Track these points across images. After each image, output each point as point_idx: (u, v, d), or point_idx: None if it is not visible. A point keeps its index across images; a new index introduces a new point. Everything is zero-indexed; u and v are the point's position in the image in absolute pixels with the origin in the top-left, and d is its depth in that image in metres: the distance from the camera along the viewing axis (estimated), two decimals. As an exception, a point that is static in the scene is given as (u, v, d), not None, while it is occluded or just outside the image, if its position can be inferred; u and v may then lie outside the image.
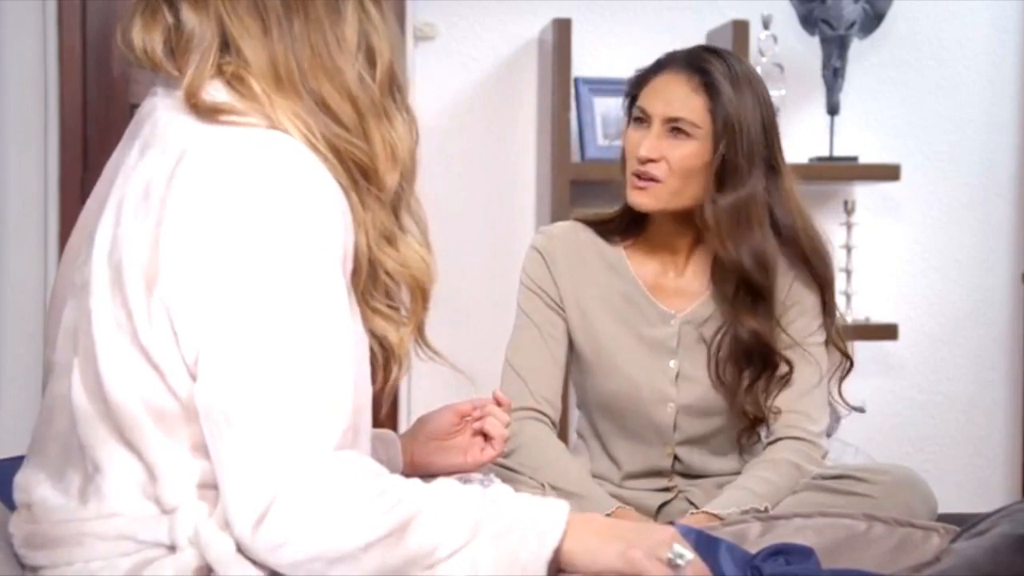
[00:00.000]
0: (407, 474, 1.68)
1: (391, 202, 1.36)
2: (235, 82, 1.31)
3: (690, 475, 2.27)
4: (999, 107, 3.71)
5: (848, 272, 3.51)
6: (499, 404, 1.75)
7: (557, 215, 3.23)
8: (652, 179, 2.15)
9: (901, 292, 3.69)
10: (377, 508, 1.23)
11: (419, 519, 1.24)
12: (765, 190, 2.16)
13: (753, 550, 1.61)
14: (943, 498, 2.24)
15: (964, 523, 1.70)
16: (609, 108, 3.37)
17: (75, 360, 1.32)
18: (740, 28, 3.38)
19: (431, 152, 3.54)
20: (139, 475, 1.29)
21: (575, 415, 2.41)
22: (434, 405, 1.78)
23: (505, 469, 2.09)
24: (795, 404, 2.20)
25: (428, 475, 1.69)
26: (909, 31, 3.66)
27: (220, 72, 1.32)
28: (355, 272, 1.32)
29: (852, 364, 2.28)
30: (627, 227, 2.28)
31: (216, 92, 1.31)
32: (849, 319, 3.45)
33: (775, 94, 3.34)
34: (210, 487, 1.28)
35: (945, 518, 1.98)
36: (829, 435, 2.31)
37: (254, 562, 1.24)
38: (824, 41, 3.46)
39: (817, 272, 2.21)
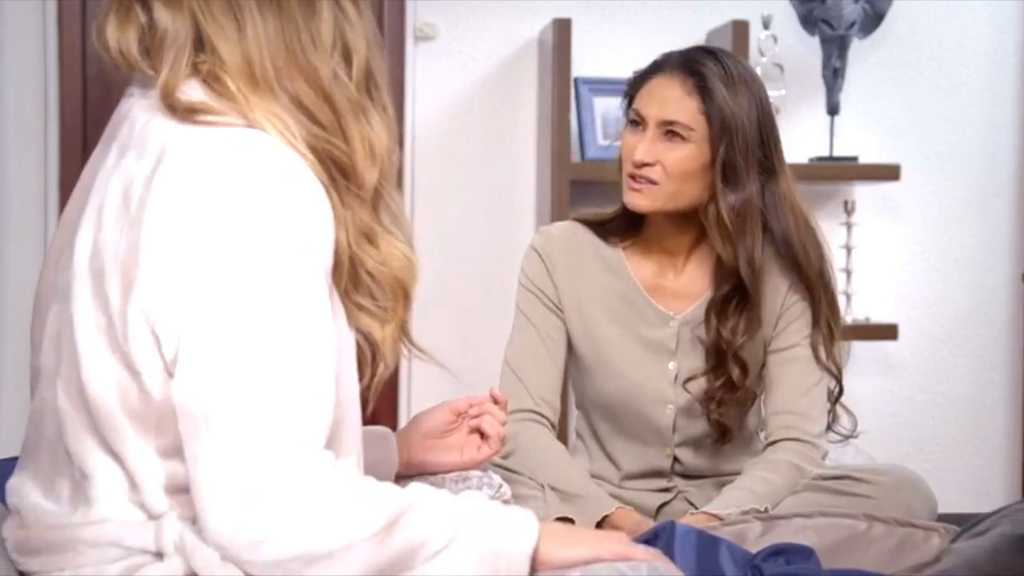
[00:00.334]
0: (403, 473, 1.69)
1: (371, 200, 1.34)
2: (211, 81, 1.30)
3: (690, 476, 2.27)
4: (999, 107, 3.71)
5: (848, 272, 3.51)
6: (496, 402, 1.75)
7: (557, 215, 3.23)
8: (648, 181, 2.15)
9: (901, 292, 3.69)
10: (361, 508, 1.23)
11: (403, 520, 1.24)
12: (760, 193, 2.15)
13: (753, 550, 1.61)
14: (943, 498, 2.24)
15: (964, 523, 1.70)
16: (609, 108, 3.36)
17: (59, 366, 1.31)
18: (740, 28, 3.38)
19: (431, 152, 3.55)
20: (123, 481, 1.28)
21: (575, 416, 2.41)
22: (435, 403, 1.78)
23: (505, 470, 2.09)
24: (793, 405, 2.20)
25: (424, 474, 1.69)
26: (909, 31, 3.66)
27: (196, 71, 1.31)
28: (336, 269, 1.31)
29: (842, 391, 2.26)
30: (626, 227, 2.28)
31: (192, 92, 1.30)
32: (849, 319, 3.45)
33: (775, 94, 3.35)
34: (181, 491, 1.27)
35: (945, 518, 1.98)
36: (850, 436, 2.30)
37: (241, 570, 1.23)
38: (824, 41, 3.46)
39: (808, 281, 2.20)
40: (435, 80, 3.52)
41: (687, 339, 2.22)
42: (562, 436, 2.61)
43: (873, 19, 3.48)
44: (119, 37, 1.32)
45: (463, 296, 3.50)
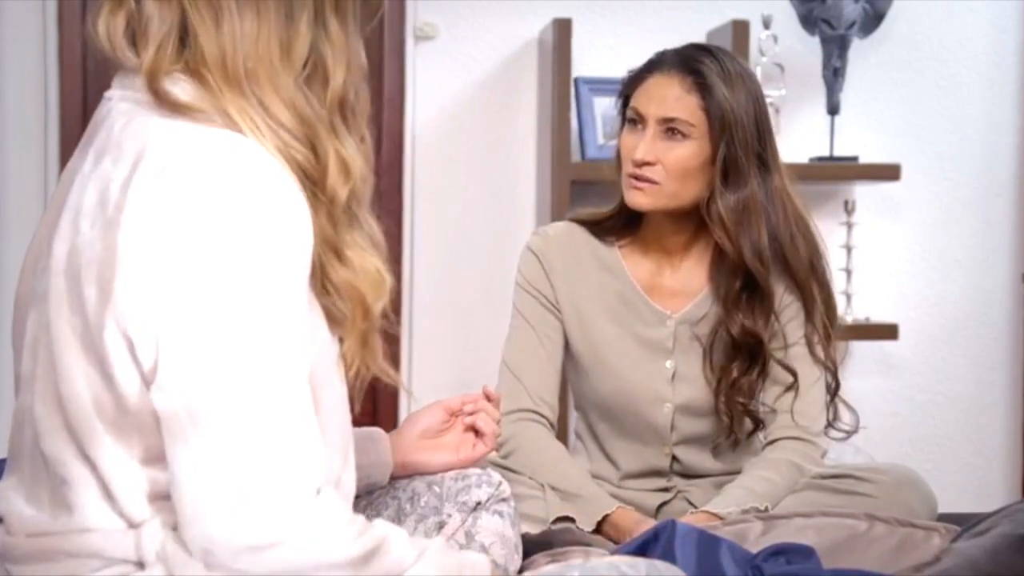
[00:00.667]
0: (398, 474, 1.69)
1: (346, 218, 1.33)
2: (192, 74, 1.30)
3: (689, 475, 2.27)
4: (999, 107, 3.70)
5: (848, 272, 3.51)
6: (489, 399, 1.75)
7: (557, 215, 3.23)
8: (650, 181, 2.15)
9: (901, 292, 3.69)
10: (349, 531, 1.24)
11: (383, 547, 1.26)
12: (760, 187, 2.16)
13: (754, 550, 1.61)
14: (943, 498, 2.24)
15: (964, 523, 1.70)
16: (609, 108, 3.35)
17: (36, 371, 1.30)
18: (740, 28, 3.38)
19: (431, 152, 3.55)
20: (99, 488, 1.28)
21: (574, 417, 2.41)
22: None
23: (504, 470, 2.09)
24: (793, 404, 2.20)
25: (420, 473, 1.69)
26: (909, 31, 3.66)
27: (181, 63, 1.31)
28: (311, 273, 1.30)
29: (839, 386, 2.26)
30: (622, 226, 2.28)
31: (175, 84, 1.29)
32: (849, 319, 3.45)
33: (775, 94, 3.35)
34: (164, 498, 1.26)
35: (945, 518, 1.98)
36: (852, 433, 2.29)
37: None
38: (824, 41, 3.46)
39: (796, 276, 2.20)
40: (435, 80, 3.52)
41: (684, 337, 2.22)
42: (562, 437, 2.61)
43: (873, 19, 3.48)
44: (109, 21, 1.33)
45: (463, 296, 3.49)
